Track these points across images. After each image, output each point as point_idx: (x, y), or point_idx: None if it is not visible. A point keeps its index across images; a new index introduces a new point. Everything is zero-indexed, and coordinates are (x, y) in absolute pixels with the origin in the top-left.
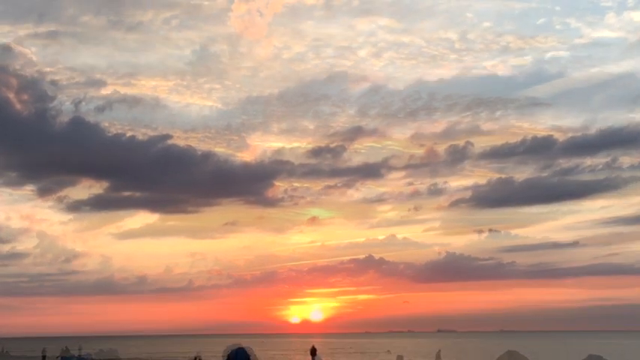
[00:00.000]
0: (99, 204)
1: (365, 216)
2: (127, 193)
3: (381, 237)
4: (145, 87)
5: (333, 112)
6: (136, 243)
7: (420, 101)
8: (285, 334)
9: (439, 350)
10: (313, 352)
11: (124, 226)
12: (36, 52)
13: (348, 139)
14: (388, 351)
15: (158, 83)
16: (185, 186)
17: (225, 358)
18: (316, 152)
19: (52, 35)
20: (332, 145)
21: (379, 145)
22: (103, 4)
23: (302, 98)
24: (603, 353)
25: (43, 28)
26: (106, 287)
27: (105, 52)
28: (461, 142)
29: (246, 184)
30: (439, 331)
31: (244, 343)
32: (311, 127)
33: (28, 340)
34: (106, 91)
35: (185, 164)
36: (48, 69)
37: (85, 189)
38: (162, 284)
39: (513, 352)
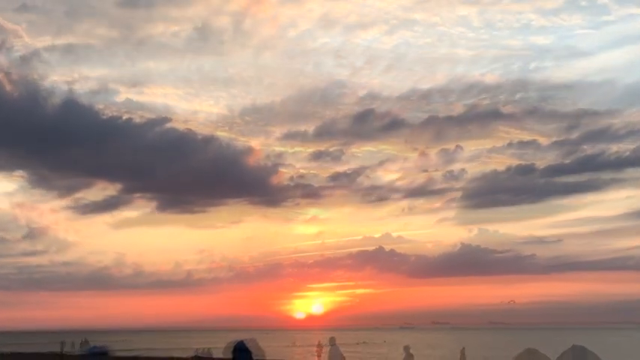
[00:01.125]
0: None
1: (368, 211)
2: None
3: (377, 235)
4: (156, 94)
5: (342, 93)
6: (134, 234)
7: (435, 82)
8: (286, 328)
9: (463, 348)
10: (331, 341)
11: (119, 216)
12: (54, 63)
13: (358, 122)
14: (364, 342)
15: (167, 91)
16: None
17: (232, 349)
18: (320, 151)
19: (69, 47)
20: (333, 149)
21: (375, 149)
22: (116, 19)
23: (309, 78)
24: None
25: (61, 41)
26: (102, 280)
27: (117, 62)
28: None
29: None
30: (434, 323)
31: (244, 336)
32: (319, 109)
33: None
34: (119, 99)
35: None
36: (65, 78)
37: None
38: (161, 277)
39: (533, 351)
